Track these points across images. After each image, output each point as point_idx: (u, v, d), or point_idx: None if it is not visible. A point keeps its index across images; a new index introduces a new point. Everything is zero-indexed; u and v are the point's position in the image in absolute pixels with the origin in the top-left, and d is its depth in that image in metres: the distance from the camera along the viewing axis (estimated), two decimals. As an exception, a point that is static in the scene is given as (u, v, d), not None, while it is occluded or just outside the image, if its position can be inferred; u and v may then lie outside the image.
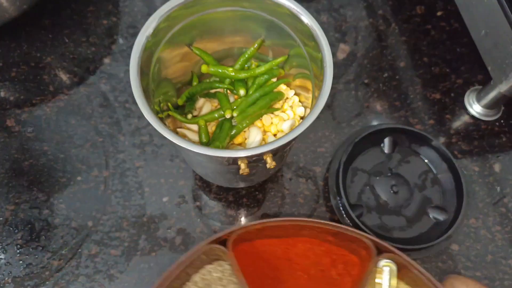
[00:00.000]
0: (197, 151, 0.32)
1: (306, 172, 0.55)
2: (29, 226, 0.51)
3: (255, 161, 0.36)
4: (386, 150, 0.56)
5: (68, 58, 0.61)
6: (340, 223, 0.52)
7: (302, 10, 0.38)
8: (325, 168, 0.55)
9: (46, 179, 0.53)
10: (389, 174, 0.55)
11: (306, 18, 0.38)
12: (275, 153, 0.36)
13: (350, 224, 0.51)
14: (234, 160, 0.35)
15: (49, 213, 0.52)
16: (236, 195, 0.54)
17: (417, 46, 0.64)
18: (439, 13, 0.66)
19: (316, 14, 0.66)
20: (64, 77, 0.60)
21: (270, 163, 0.35)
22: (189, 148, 0.32)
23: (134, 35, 0.63)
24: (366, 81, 0.61)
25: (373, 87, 0.61)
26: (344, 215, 0.51)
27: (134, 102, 0.58)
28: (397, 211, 0.53)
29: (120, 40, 0.63)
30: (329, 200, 0.54)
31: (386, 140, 0.56)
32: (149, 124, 0.56)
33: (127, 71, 0.60)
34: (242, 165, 0.34)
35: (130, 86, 0.59)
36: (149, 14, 0.65)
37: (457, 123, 0.59)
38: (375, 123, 0.59)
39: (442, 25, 0.65)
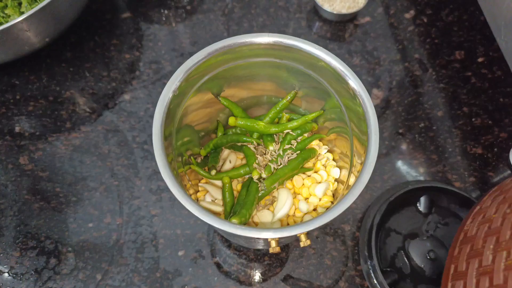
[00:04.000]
0: (226, 230, 0.28)
1: (334, 230, 0.51)
2: (36, 275, 0.47)
3: (286, 238, 0.32)
4: (422, 209, 0.51)
5: (87, 93, 0.59)
6: (371, 291, 0.47)
7: (350, 73, 0.34)
8: (355, 227, 0.51)
9: (55, 224, 0.50)
10: (425, 238, 0.50)
11: (354, 82, 0.34)
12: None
13: (382, 292, 0.46)
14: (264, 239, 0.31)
15: (56, 262, 0.48)
16: (257, 252, 0.49)
17: (456, 95, 0.60)
18: (480, 60, 0.62)
19: (348, 55, 0.62)
20: (82, 113, 0.58)
21: (304, 241, 0.31)
22: (217, 226, 0.28)
23: (157, 71, 0.61)
24: (400, 130, 0.57)
25: (408, 138, 0.57)
26: (376, 282, 0.46)
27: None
28: (435, 280, 0.48)
29: (142, 76, 0.60)
30: (359, 263, 0.49)
31: (422, 199, 0.51)
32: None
33: (147, 109, 0.57)
34: (273, 243, 0.30)
35: (149, 126, 0.56)
36: (173, 50, 0.63)
37: (501, 181, 0.54)
38: (410, 178, 0.54)
39: (484, 73, 0.61)
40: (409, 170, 0.55)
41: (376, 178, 0.54)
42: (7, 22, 0.54)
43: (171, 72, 0.61)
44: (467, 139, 0.56)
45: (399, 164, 0.55)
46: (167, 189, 0.52)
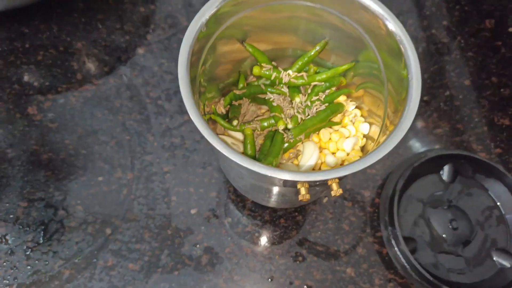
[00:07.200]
0: (258, 171, 0.26)
1: (353, 196, 0.49)
2: (42, 227, 0.46)
3: (317, 185, 0.30)
4: (445, 178, 0.49)
5: (99, 45, 0.56)
6: (389, 256, 0.45)
7: (388, 14, 0.32)
8: (375, 193, 0.49)
9: (65, 176, 0.48)
10: (446, 207, 0.48)
11: (393, 24, 0.31)
12: (342, 178, 0.30)
13: (402, 259, 0.44)
14: (293, 183, 0.29)
15: (64, 215, 0.46)
16: (273, 214, 0.48)
17: (485, 64, 0.57)
18: (511, 29, 0.59)
19: (373, 19, 0.59)
20: (93, 65, 0.55)
21: (336, 190, 0.29)
22: (249, 167, 0.26)
23: (172, 25, 0.58)
24: (425, 98, 0.55)
25: (433, 106, 0.54)
26: (396, 249, 0.45)
27: (167, 100, 0.53)
28: (455, 251, 0.46)
29: (157, 30, 0.58)
30: (378, 230, 0.47)
31: (446, 168, 0.49)
32: (181, 125, 0.51)
33: (161, 65, 0.55)
34: (303, 190, 0.28)
35: (163, 82, 0.54)
36: (189, 5, 0.60)
37: (528, 155, 0.52)
38: (432, 146, 0.52)
39: (514, 43, 0.58)
40: (433, 139, 0.52)
41: (398, 144, 0.51)
42: (18, -37, 0.51)
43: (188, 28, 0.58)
44: (494, 109, 0.54)
45: (423, 132, 0.53)
46: (180, 146, 0.50)
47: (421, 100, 0.54)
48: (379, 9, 0.32)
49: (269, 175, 0.26)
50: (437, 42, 0.59)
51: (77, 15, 0.58)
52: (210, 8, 0.32)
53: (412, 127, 0.52)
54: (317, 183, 0.28)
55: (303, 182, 0.28)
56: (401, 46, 0.32)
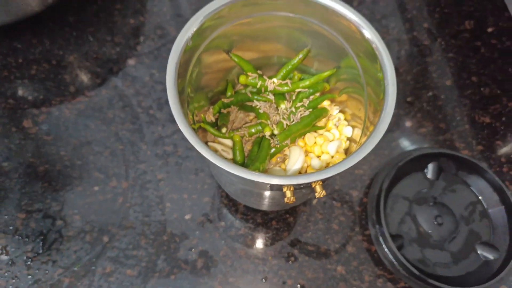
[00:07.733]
0: (244, 177, 0.27)
1: (342, 196, 0.50)
2: (41, 237, 0.47)
3: (302, 188, 0.31)
4: (429, 176, 0.51)
5: (91, 58, 0.58)
6: (378, 253, 0.47)
7: (365, 23, 0.33)
8: (363, 193, 0.51)
9: (62, 187, 0.50)
10: (431, 203, 0.50)
11: (369, 32, 0.33)
12: (325, 180, 0.31)
13: (390, 255, 0.46)
14: (279, 187, 0.30)
15: (62, 224, 0.48)
16: (264, 216, 0.49)
17: (465, 64, 0.59)
18: (489, 30, 0.61)
19: (356, 24, 0.61)
20: (85, 77, 0.57)
21: (319, 192, 0.30)
22: (236, 173, 0.27)
23: (162, 36, 0.60)
24: (409, 99, 0.57)
25: (417, 107, 0.56)
26: (384, 246, 0.46)
27: (159, 109, 0.55)
28: (441, 245, 0.48)
29: (147, 41, 0.59)
30: (366, 228, 0.49)
31: (430, 166, 0.51)
32: (173, 133, 0.53)
33: (152, 75, 0.56)
34: (288, 193, 0.30)
35: (154, 92, 0.56)
36: (178, 15, 0.62)
37: (509, 150, 0.54)
38: (417, 145, 0.54)
39: (493, 43, 0.60)
40: (417, 138, 0.54)
41: (384, 145, 0.54)
42: (9, -20, 0.52)
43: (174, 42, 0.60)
44: (475, 108, 0.56)
45: (407, 132, 0.55)
46: (173, 154, 0.52)
47: (405, 101, 0.56)
48: (355, 18, 0.34)
49: (255, 180, 0.28)
50: (419, 44, 0.61)
51: (68, 29, 0.59)
52: (194, 23, 0.33)
53: (397, 128, 0.54)
54: (301, 186, 0.30)
55: (287, 186, 0.29)
56: (376, 53, 0.33)
